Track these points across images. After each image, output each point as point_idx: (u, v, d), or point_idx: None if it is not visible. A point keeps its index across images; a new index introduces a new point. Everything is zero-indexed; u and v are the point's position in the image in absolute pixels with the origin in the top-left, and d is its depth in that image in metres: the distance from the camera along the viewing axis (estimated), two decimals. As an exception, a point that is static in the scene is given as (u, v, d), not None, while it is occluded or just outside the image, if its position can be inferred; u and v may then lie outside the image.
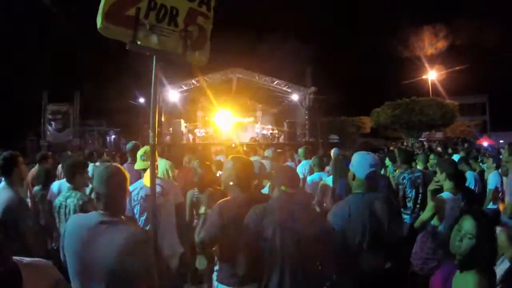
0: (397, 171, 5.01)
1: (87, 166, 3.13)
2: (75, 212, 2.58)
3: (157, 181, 2.85)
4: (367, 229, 1.91)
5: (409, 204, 3.96)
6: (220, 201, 2.10)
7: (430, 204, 2.81)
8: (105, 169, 1.61)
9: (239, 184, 2.07)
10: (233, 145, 13.11)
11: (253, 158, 7.35)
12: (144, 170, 2.91)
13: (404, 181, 4.06)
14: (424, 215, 2.82)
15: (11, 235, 2.38)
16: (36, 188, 3.54)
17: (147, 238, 1.56)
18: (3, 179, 2.67)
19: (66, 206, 2.66)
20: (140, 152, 3.02)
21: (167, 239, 2.82)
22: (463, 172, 3.24)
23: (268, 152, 6.14)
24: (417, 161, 5.20)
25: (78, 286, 1.49)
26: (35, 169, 4.54)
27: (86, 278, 1.47)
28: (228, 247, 1.95)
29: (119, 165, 1.80)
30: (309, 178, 4.36)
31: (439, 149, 9.40)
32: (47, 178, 3.55)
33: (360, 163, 2.07)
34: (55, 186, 3.29)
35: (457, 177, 2.86)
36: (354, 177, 2.08)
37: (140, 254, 1.45)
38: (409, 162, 4.34)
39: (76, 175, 2.81)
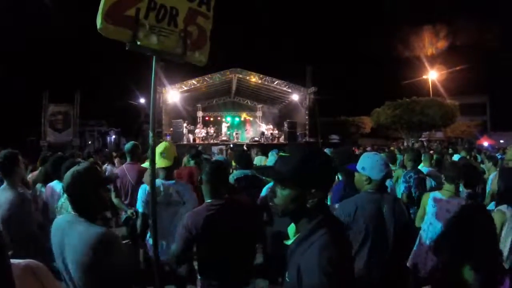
0: (395, 171, 5.02)
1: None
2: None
3: (176, 185, 2.74)
4: (370, 228, 1.92)
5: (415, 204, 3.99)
6: (189, 212, 2.02)
7: (422, 200, 2.94)
8: (71, 171, 1.60)
9: (209, 189, 2.01)
10: (231, 145, 13.07)
11: (258, 159, 7.34)
12: (164, 169, 2.72)
13: (411, 179, 4.09)
14: (419, 212, 2.93)
15: (13, 235, 2.38)
16: (39, 185, 3.56)
17: (107, 239, 1.49)
18: (5, 181, 2.65)
19: (67, 206, 2.65)
20: (159, 149, 2.75)
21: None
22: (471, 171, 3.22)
23: (272, 154, 5.89)
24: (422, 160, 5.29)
25: (65, 284, 1.52)
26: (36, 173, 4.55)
27: (67, 277, 1.51)
28: (206, 257, 1.92)
29: (94, 165, 1.77)
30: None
31: (432, 151, 9.39)
32: (47, 177, 3.56)
33: (374, 165, 2.05)
34: (48, 188, 3.24)
35: (456, 180, 2.84)
36: (369, 180, 2.04)
37: (99, 255, 1.42)
38: (416, 161, 4.38)
39: None
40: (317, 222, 1.15)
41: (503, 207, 2.52)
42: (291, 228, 1.25)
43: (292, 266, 1.15)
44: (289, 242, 1.22)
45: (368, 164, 2.07)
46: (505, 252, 2.26)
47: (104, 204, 1.70)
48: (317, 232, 1.13)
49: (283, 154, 1.20)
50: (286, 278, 1.19)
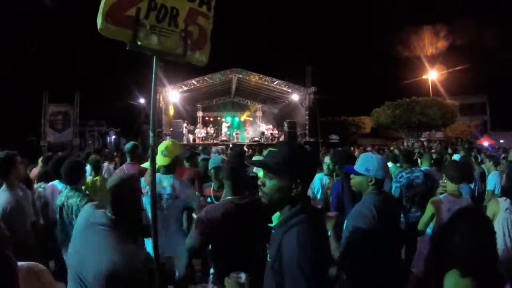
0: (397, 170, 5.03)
1: (85, 166, 3.14)
2: (77, 212, 2.57)
3: (173, 179, 2.80)
4: (390, 229, 1.96)
5: (405, 204, 3.99)
6: (207, 206, 2.08)
7: (428, 205, 2.81)
8: (115, 177, 1.67)
9: (230, 187, 2.07)
10: (231, 145, 13.07)
11: (256, 158, 7.37)
12: (164, 166, 2.84)
13: (402, 179, 4.09)
14: (424, 216, 2.82)
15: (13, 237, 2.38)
16: (37, 185, 3.57)
17: (135, 256, 1.45)
18: (3, 183, 2.66)
19: (68, 206, 2.64)
20: (161, 147, 2.88)
21: (172, 242, 2.72)
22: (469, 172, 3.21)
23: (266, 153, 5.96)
24: (422, 160, 5.35)
25: (69, 275, 1.50)
26: (37, 169, 4.55)
27: (73, 271, 1.49)
28: (219, 252, 1.96)
29: (135, 176, 1.81)
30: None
31: (433, 151, 9.41)
32: (48, 177, 3.57)
33: (379, 165, 2.06)
34: (48, 187, 3.25)
35: (460, 179, 2.83)
36: (374, 181, 2.04)
37: (118, 281, 1.38)
38: (410, 161, 4.37)
39: (82, 177, 2.87)
40: (299, 207, 1.30)
41: (501, 199, 2.54)
42: (276, 217, 1.40)
43: (274, 246, 1.29)
44: (272, 225, 1.38)
45: (373, 165, 2.05)
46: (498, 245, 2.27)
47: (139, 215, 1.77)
48: (298, 216, 1.28)
49: (272, 149, 1.38)
50: (268, 258, 1.34)
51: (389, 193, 2.24)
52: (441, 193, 3.06)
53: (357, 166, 2.10)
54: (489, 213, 2.56)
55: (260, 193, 1.38)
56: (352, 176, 2.17)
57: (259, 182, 1.40)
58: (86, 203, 2.58)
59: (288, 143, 1.52)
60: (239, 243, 1.90)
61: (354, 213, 2.05)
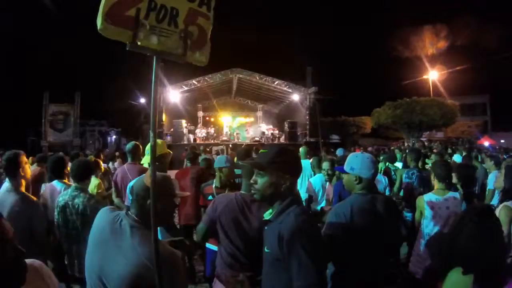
0: (397, 171, 5.03)
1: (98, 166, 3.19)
2: (84, 211, 2.56)
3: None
4: (369, 229, 1.92)
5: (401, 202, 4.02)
6: (220, 194, 2.16)
7: (417, 203, 2.91)
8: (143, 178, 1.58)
9: (244, 183, 2.11)
10: (231, 145, 13.08)
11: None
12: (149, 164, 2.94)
13: (414, 176, 4.10)
14: (416, 216, 2.92)
15: (19, 238, 2.37)
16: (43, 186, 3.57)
17: (167, 257, 1.35)
18: (7, 179, 2.65)
19: (74, 206, 2.62)
20: (146, 147, 3.01)
21: (164, 238, 2.77)
22: (467, 172, 3.19)
23: None
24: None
25: (89, 281, 1.46)
26: (35, 169, 4.56)
27: (92, 275, 1.44)
28: (224, 244, 1.99)
29: (166, 176, 1.69)
30: (312, 180, 4.34)
31: (434, 150, 9.40)
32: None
33: (364, 163, 2.05)
34: (47, 187, 3.21)
35: (447, 178, 2.85)
36: (359, 180, 2.04)
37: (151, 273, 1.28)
38: (418, 160, 4.43)
39: (89, 176, 2.87)
40: (290, 200, 1.46)
41: (510, 203, 2.52)
42: (267, 214, 1.52)
43: (271, 236, 1.41)
44: (267, 217, 1.51)
45: (356, 163, 2.06)
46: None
47: (167, 218, 1.67)
48: (291, 207, 1.44)
49: (262, 150, 1.58)
50: (265, 250, 1.46)
51: (381, 195, 2.22)
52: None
53: (345, 165, 2.14)
54: (503, 219, 2.53)
55: (252, 190, 1.53)
56: (343, 175, 2.22)
57: (251, 181, 1.53)
58: (94, 203, 2.61)
59: (275, 144, 1.71)
60: (244, 237, 1.93)
61: (331, 211, 2.09)
